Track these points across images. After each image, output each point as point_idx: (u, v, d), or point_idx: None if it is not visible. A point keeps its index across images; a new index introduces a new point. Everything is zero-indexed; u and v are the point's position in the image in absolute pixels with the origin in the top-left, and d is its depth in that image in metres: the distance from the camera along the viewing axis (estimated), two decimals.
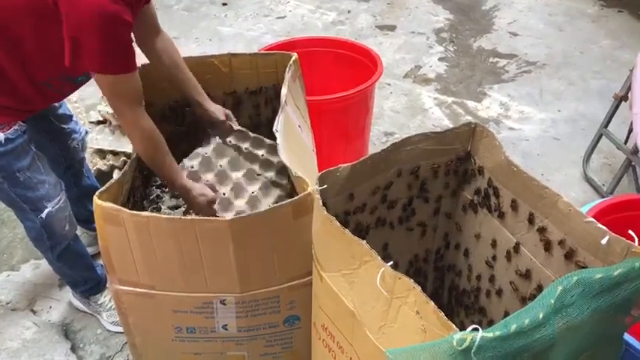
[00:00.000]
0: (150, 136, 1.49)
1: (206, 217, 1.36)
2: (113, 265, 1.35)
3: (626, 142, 2.34)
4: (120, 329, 1.86)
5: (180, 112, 1.86)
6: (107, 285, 1.94)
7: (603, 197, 2.27)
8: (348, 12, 4.12)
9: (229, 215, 1.54)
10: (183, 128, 1.87)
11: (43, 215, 1.64)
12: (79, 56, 1.33)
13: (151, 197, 1.80)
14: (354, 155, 1.46)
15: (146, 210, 1.73)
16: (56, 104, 1.79)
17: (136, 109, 1.46)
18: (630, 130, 2.24)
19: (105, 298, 1.93)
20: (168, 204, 1.79)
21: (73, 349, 1.87)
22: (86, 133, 1.98)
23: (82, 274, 1.88)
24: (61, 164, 1.87)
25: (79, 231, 2.07)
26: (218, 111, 1.74)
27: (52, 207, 1.65)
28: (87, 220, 2.08)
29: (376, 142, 2.75)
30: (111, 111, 2.43)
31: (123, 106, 1.45)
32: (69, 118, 1.87)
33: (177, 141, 1.77)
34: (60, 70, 1.42)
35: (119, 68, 1.38)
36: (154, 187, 1.83)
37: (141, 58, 1.75)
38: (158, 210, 1.76)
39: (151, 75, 1.65)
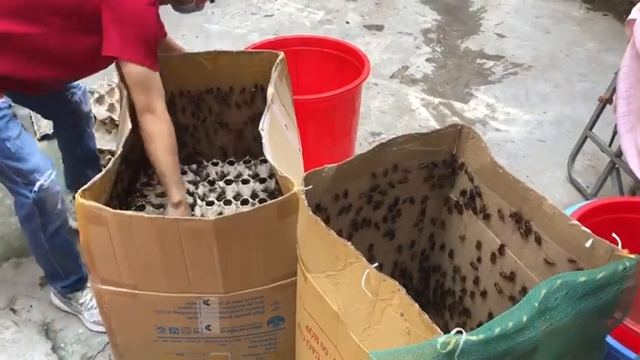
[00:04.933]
0: (173, 132, 1.56)
1: (189, 217, 1.34)
2: (95, 264, 1.33)
3: (610, 144, 2.35)
4: (102, 329, 1.83)
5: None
6: (88, 284, 1.91)
7: (587, 199, 2.28)
8: (337, 11, 4.12)
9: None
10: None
11: (36, 188, 1.63)
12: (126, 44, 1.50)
13: (136, 195, 1.78)
14: (341, 155, 1.46)
15: (130, 208, 1.71)
16: None
17: (164, 103, 1.56)
18: (614, 133, 2.26)
19: (86, 297, 1.90)
20: (154, 202, 1.77)
21: (54, 349, 1.85)
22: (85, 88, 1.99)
23: (69, 264, 1.84)
24: (68, 123, 1.88)
25: None
26: None
27: (44, 180, 1.64)
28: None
29: (363, 142, 2.75)
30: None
31: (156, 98, 1.54)
32: None
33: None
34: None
35: (153, 63, 1.54)
36: (138, 185, 1.81)
37: None
38: (143, 208, 1.74)
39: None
